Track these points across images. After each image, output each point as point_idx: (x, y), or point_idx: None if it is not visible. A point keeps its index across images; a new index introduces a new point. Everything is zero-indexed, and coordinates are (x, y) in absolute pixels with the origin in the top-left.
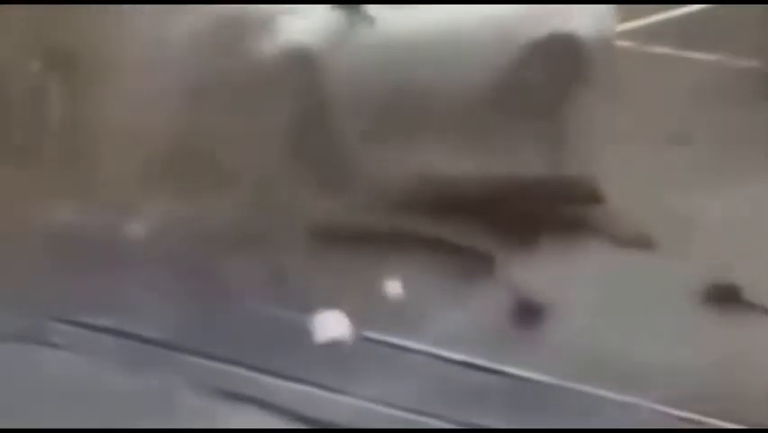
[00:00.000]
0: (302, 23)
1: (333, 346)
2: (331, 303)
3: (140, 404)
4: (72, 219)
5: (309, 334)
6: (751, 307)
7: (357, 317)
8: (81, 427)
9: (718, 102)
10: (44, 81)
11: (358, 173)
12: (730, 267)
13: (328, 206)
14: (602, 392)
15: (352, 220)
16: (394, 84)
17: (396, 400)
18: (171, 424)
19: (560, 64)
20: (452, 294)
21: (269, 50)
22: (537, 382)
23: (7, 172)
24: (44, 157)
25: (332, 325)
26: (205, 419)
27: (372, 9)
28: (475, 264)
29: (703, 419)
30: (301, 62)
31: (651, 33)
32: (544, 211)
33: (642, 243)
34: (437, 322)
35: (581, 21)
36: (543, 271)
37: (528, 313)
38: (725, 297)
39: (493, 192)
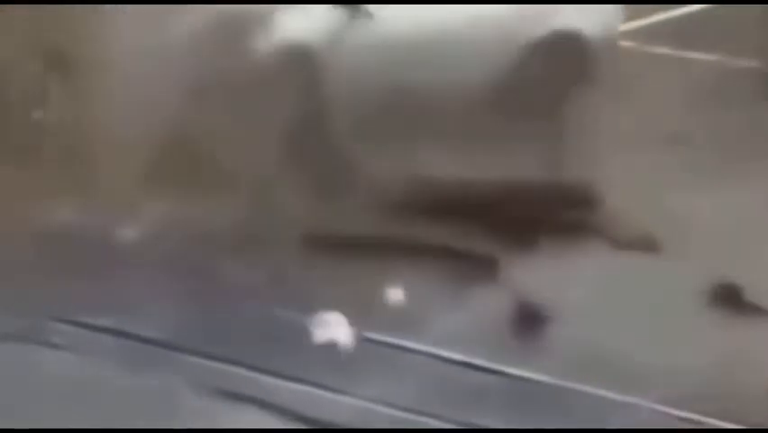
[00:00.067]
0: (301, 22)
1: (334, 347)
2: (330, 305)
3: (140, 404)
4: (71, 219)
5: (309, 334)
6: (752, 308)
7: (357, 319)
8: (81, 427)
9: (718, 102)
10: (42, 81)
11: (356, 174)
12: (731, 268)
13: (326, 208)
14: (602, 392)
15: (352, 224)
16: (393, 84)
17: (396, 401)
18: (171, 424)
19: (562, 64)
20: (453, 296)
21: (267, 49)
22: (537, 382)
23: (6, 172)
24: (43, 157)
25: (332, 327)
26: (205, 419)
27: (372, 8)
28: (476, 267)
29: (703, 419)
30: (300, 61)
31: (651, 33)
32: (544, 214)
33: (644, 245)
34: (437, 323)
35: (584, 19)
36: (543, 274)
37: (529, 318)
38: (726, 298)
39: (491, 195)
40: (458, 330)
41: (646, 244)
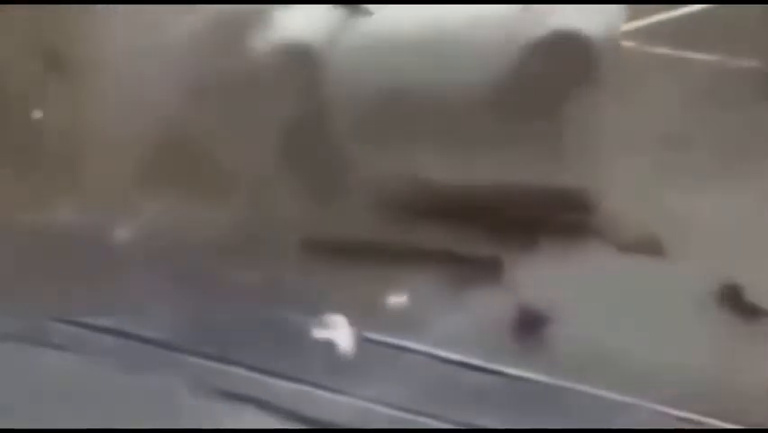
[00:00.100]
0: (300, 21)
1: (334, 349)
2: (330, 305)
3: (140, 404)
4: (70, 220)
5: (308, 334)
6: (753, 308)
7: (357, 320)
8: (81, 427)
9: (718, 102)
10: (39, 81)
11: (355, 175)
12: (733, 268)
13: (325, 210)
14: (602, 392)
15: (351, 227)
16: (392, 84)
17: (396, 401)
18: (171, 424)
19: (563, 65)
20: (452, 298)
21: (266, 49)
22: (537, 382)
23: (6, 173)
24: (42, 157)
25: (334, 329)
26: (205, 419)
27: (372, 7)
28: (476, 270)
29: (703, 419)
30: (299, 60)
31: (651, 33)
32: (543, 216)
33: (647, 247)
34: (437, 325)
35: (586, 19)
36: (543, 275)
37: (531, 323)
38: (728, 299)
39: (491, 198)
40: (458, 331)
41: (649, 246)
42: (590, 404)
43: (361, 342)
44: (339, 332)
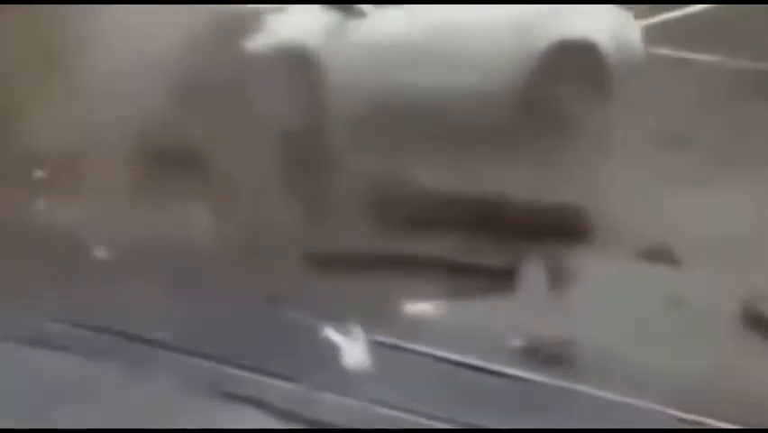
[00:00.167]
0: (295, 24)
1: (336, 352)
2: (330, 307)
3: (140, 404)
4: (70, 221)
5: (308, 335)
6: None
7: (359, 321)
8: (81, 427)
9: (718, 102)
10: (34, 79)
11: (352, 181)
12: (733, 269)
13: (324, 219)
14: (602, 393)
15: (351, 237)
16: (393, 91)
17: (396, 401)
18: (171, 424)
19: (570, 75)
20: (453, 302)
21: (262, 50)
22: (537, 383)
23: (5, 174)
24: (40, 159)
25: (347, 339)
26: (204, 420)
27: (366, 8)
28: (478, 277)
29: (703, 419)
30: (295, 62)
31: (651, 34)
32: (544, 227)
33: (661, 256)
34: (438, 326)
35: (593, 26)
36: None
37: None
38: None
39: (491, 208)
40: (459, 332)
41: (661, 255)
42: (590, 404)
43: (371, 346)
44: (351, 340)
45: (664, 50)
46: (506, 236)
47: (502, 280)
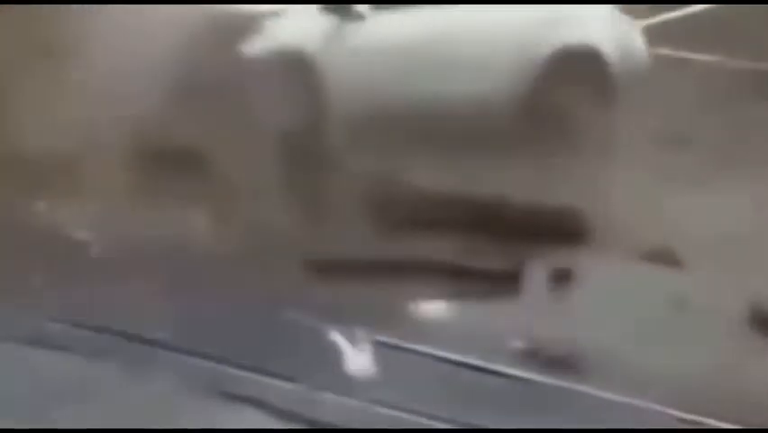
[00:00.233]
0: (294, 27)
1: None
2: (330, 308)
3: (140, 404)
4: (69, 221)
5: (309, 335)
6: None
7: (362, 324)
8: (81, 427)
9: (719, 102)
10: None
11: (352, 184)
12: (733, 269)
13: (324, 223)
14: (602, 393)
15: (351, 241)
16: (389, 92)
17: (396, 401)
18: (171, 424)
19: (573, 81)
20: (457, 306)
21: (260, 54)
22: (537, 383)
23: (5, 175)
24: (39, 159)
25: (352, 346)
26: (204, 420)
27: (365, 10)
28: (481, 283)
29: (703, 419)
30: (293, 66)
31: (651, 34)
32: (544, 230)
33: (663, 257)
34: (438, 327)
35: (601, 31)
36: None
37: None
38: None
39: (490, 210)
40: (460, 334)
41: (664, 257)
42: (590, 404)
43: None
44: (354, 343)
45: (664, 50)
46: (507, 239)
47: (504, 283)
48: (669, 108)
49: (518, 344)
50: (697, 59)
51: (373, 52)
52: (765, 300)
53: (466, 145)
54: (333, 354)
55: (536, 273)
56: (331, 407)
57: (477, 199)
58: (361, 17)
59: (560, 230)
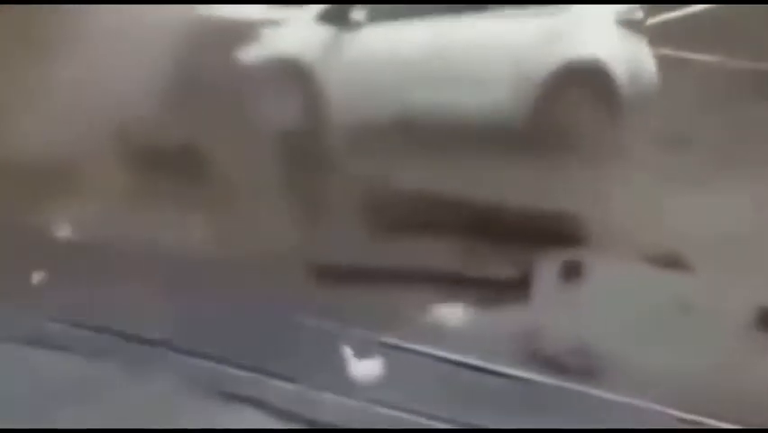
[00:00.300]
0: (291, 36)
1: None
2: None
3: (140, 404)
4: (68, 222)
5: (309, 335)
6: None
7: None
8: (81, 427)
9: (719, 102)
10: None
11: (351, 190)
12: (732, 269)
13: (323, 228)
14: (602, 393)
15: (348, 250)
16: (395, 102)
17: (396, 401)
18: (171, 424)
19: (578, 94)
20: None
21: (257, 62)
22: (537, 383)
23: (4, 175)
24: (36, 160)
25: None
26: (204, 420)
27: (361, 18)
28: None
29: (703, 419)
30: (290, 75)
31: (652, 34)
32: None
33: (662, 256)
34: (442, 330)
35: (607, 45)
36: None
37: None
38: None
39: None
40: (462, 336)
41: (662, 255)
42: (590, 404)
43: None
44: (356, 345)
45: (664, 50)
46: (508, 243)
47: (508, 287)
48: (669, 108)
49: (524, 346)
50: (697, 59)
51: (369, 63)
52: (765, 300)
53: (466, 152)
54: (333, 355)
55: (543, 276)
56: (331, 407)
57: (478, 204)
58: (357, 25)
59: (560, 234)
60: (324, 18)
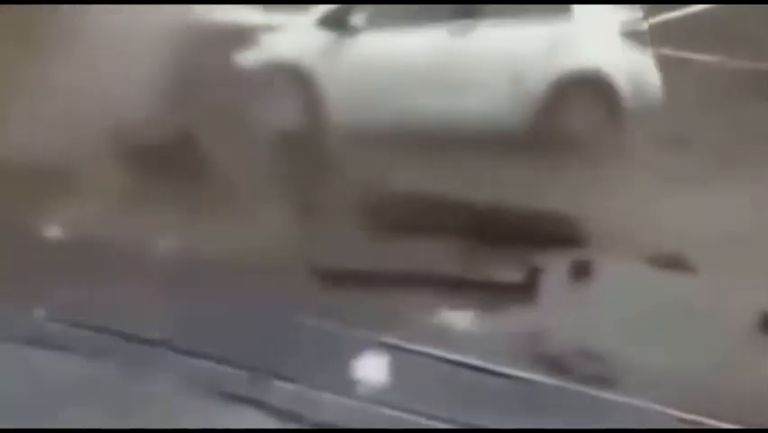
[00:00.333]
0: (291, 41)
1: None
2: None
3: (140, 404)
4: (68, 222)
5: (310, 335)
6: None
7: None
8: (81, 427)
9: (719, 102)
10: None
11: (352, 193)
12: (734, 269)
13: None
14: (602, 392)
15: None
16: (395, 107)
17: (396, 401)
18: (171, 424)
19: (582, 104)
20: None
21: (256, 67)
22: (537, 383)
23: (4, 175)
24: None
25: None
26: (204, 420)
27: (358, 20)
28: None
29: (703, 419)
30: (290, 78)
31: (652, 35)
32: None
33: (662, 257)
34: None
35: (611, 56)
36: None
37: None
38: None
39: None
40: (463, 338)
41: (662, 255)
42: (590, 404)
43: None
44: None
45: (664, 50)
46: (509, 244)
47: (510, 290)
48: (669, 108)
49: (529, 348)
50: (697, 59)
51: (371, 67)
52: (765, 300)
53: (465, 154)
54: (333, 355)
55: (549, 277)
56: (331, 407)
57: (478, 205)
58: (357, 31)
59: (560, 235)
60: (324, 23)
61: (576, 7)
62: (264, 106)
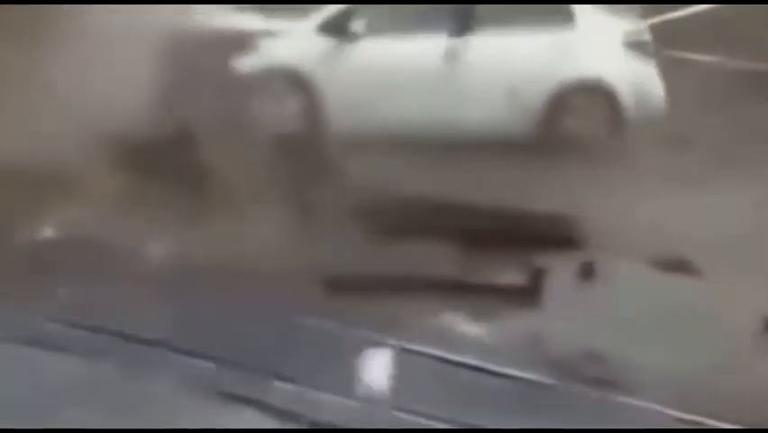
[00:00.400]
0: (290, 47)
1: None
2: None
3: (140, 404)
4: (68, 223)
5: (310, 336)
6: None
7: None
8: (81, 427)
9: (719, 102)
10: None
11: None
12: (734, 269)
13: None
14: (602, 392)
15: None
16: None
17: (396, 401)
18: (171, 424)
19: (586, 113)
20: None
21: (256, 72)
22: (537, 383)
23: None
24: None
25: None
26: (204, 420)
27: (358, 26)
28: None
29: (703, 419)
30: (289, 84)
31: (653, 35)
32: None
33: (663, 257)
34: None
35: (604, 66)
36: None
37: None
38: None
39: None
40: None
41: (662, 255)
42: (590, 404)
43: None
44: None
45: (666, 51)
46: (510, 246)
47: (512, 293)
48: (669, 108)
49: (533, 350)
50: (697, 59)
51: (371, 73)
52: (766, 300)
53: (465, 157)
54: (333, 355)
55: (555, 279)
56: (331, 407)
57: (478, 209)
58: (356, 37)
59: (561, 237)
60: (324, 29)
61: (578, 15)
62: (263, 111)
